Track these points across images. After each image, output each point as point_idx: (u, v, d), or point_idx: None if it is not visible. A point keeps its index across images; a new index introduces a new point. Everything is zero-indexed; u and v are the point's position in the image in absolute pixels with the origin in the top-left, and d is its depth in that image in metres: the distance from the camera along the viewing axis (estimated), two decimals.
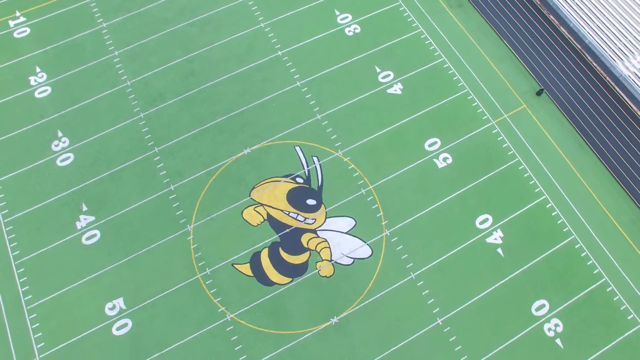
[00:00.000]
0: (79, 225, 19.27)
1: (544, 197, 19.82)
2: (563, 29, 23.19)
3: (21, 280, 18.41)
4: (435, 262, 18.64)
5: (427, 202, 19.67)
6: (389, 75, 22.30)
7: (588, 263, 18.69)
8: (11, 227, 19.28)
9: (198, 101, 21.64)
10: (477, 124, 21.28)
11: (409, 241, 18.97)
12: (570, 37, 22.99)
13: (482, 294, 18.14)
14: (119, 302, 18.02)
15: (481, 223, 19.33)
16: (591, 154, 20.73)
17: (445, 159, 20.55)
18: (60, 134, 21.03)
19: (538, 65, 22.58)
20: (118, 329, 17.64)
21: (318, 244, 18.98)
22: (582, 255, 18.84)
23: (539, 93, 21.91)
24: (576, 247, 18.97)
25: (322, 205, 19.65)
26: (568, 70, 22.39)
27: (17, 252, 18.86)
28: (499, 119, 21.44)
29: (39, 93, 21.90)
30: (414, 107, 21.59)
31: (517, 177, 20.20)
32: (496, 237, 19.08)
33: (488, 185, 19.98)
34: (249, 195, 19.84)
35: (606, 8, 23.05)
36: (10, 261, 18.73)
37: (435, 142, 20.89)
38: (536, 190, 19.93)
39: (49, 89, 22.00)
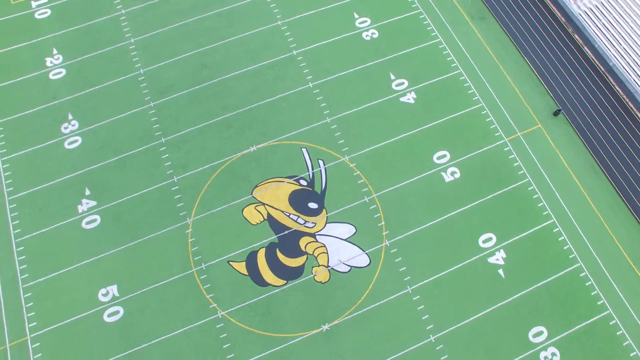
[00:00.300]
0: (80, 209, 19.38)
1: (552, 220, 19.23)
2: (587, 49, 22.50)
3: (19, 258, 18.58)
4: (433, 278, 18.23)
5: (431, 216, 19.25)
6: (403, 83, 21.92)
7: (592, 293, 18.07)
8: (15, 205, 19.48)
9: (208, 95, 21.56)
10: (489, 140, 20.77)
11: (409, 254, 18.59)
12: (594, 58, 22.28)
13: (479, 315, 17.67)
14: (113, 289, 18.05)
15: (484, 242, 18.85)
16: (605, 180, 20.05)
17: (453, 173, 20.11)
18: (70, 117, 21.18)
19: (557, 84, 21.94)
20: (109, 315, 17.67)
21: (316, 248, 18.74)
22: (587, 284, 18.21)
23: (556, 113, 21.28)
24: (581, 275, 18.36)
25: (324, 210, 19.40)
26: (589, 92, 21.70)
27: (18, 230, 19.05)
28: (512, 136, 20.89)
29: (53, 74, 22.10)
30: (425, 117, 21.17)
31: (526, 198, 19.65)
32: (498, 258, 18.58)
33: (495, 204, 19.47)
34: (251, 194, 19.69)
35: (635, 30, 22.29)
36: (11, 239, 18.92)
37: (445, 155, 20.45)
38: (544, 213, 19.35)
39: (64, 71, 22.19)
